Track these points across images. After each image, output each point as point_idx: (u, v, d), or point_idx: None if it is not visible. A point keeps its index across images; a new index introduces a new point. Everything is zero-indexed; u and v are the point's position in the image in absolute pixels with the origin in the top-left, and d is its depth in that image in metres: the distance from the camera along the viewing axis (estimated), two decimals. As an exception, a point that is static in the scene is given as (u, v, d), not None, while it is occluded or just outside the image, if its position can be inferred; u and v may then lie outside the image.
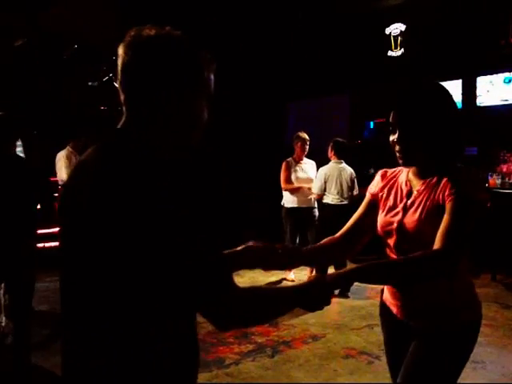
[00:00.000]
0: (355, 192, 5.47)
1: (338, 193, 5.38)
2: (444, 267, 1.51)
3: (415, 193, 1.69)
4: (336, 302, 5.08)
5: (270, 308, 1.23)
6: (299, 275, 5.77)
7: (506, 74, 7.07)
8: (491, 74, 7.18)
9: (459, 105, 7.34)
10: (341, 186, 5.39)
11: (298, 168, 5.76)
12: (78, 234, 1.09)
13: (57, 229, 3.37)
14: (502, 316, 4.74)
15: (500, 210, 6.03)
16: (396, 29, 8.02)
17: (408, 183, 1.74)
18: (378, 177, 1.87)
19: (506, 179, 6.80)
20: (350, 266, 1.40)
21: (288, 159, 5.83)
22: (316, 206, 5.75)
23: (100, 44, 7.80)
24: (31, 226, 3.26)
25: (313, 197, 5.66)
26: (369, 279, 1.56)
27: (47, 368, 3.40)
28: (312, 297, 1.30)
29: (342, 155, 5.53)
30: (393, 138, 1.66)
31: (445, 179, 1.59)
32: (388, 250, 1.76)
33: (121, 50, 1.12)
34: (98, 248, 1.04)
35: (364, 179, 5.60)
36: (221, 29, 7.71)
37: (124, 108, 1.15)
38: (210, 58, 1.17)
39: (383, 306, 1.90)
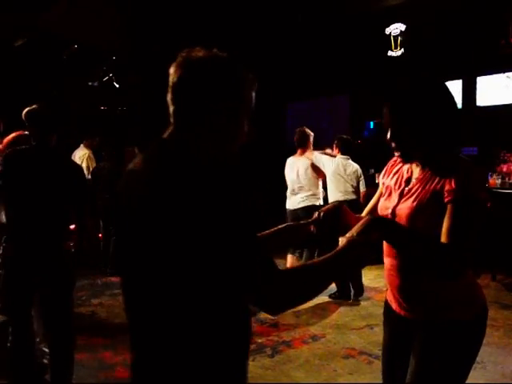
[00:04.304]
0: (362, 189, 5.40)
1: (342, 189, 5.31)
2: (450, 261, 1.51)
3: (414, 181, 1.70)
4: (336, 303, 5.08)
5: (317, 282, 1.27)
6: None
7: (506, 74, 7.07)
8: (491, 73, 7.17)
9: (459, 105, 7.34)
10: (345, 182, 5.33)
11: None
12: (137, 238, 1.19)
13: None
14: (502, 316, 4.74)
15: (500, 210, 6.03)
16: (396, 29, 8.02)
17: (409, 170, 1.75)
18: (388, 164, 1.89)
19: (506, 179, 6.80)
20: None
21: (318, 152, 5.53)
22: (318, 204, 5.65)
23: (100, 44, 7.81)
24: (67, 225, 3.05)
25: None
26: (391, 235, 1.55)
27: None
28: (348, 256, 1.33)
29: (347, 151, 5.47)
30: (387, 135, 1.66)
31: (446, 170, 1.59)
32: None
33: (172, 69, 1.25)
34: (161, 249, 1.13)
35: (364, 179, 5.60)
36: (220, 29, 7.71)
37: (172, 119, 1.27)
38: (252, 78, 1.30)
39: (386, 304, 1.91)
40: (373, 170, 7.99)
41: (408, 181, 1.73)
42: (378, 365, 3.61)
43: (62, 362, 2.93)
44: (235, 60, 1.28)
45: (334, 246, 1.35)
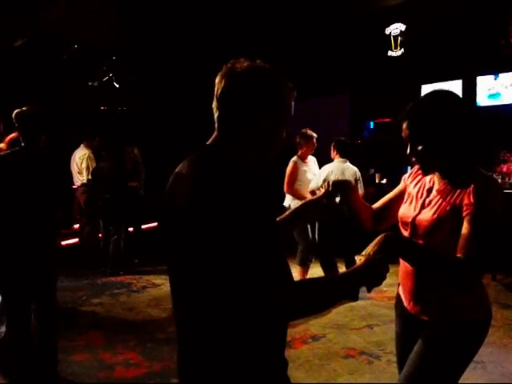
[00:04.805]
0: (361, 191, 5.32)
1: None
2: (466, 277, 1.53)
3: (434, 192, 1.74)
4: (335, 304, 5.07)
5: (328, 296, 1.30)
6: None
7: (506, 74, 7.07)
8: (491, 74, 7.17)
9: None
10: None
11: (306, 168, 5.47)
12: (179, 236, 1.25)
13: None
14: (502, 316, 4.74)
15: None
16: (396, 29, 8.02)
17: (432, 180, 1.79)
18: (415, 167, 1.91)
19: (506, 179, 6.80)
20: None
21: (295, 159, 5.45)
22: None
23: (100, 44, 7.81)
24: (56, 225, 3.21)
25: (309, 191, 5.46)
26: (407, 253, 1.56)
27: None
28: (366, 275, 1.36)
29: (345, 154, 5.43)
30: (408, 151, 1.69)
31: (466, 182, 1.61)
32: None
33: (218, 79, 1.31)
34: (199, 250, 1.19)
35: (364, 179, 5.59)
36: (220, 28, 7.71)
37: (216, 125, 1.33)
38: (292, 88, 1.36)
39: (398, 297, 1.95)
40: (373, 170, 7.99)
41: (429, 191, 1.77)
42: (377, 365, 3.62)
43: (47, 329, 3.12)
44: (277, 71, 1.33)
45: (342, 218, 1.40)
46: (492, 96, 7.22)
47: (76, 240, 7.08)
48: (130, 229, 7.00)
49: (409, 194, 1.87)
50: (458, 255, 1.53)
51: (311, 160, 5.63)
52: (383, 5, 7.85)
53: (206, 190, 1.19)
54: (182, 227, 1.23)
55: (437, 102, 1.65)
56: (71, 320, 4.54)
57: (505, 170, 6.95)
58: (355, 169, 5.38)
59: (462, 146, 1.65)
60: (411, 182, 1.89)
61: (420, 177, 1.86)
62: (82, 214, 6.88)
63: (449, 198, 1.66)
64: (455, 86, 7.33)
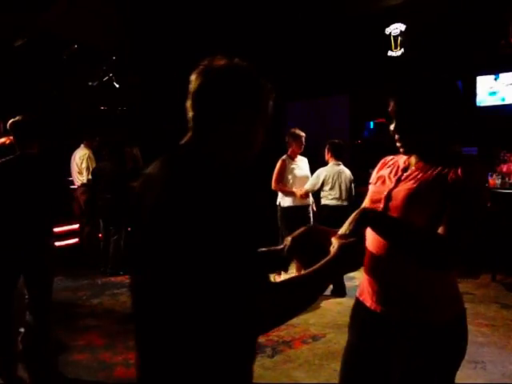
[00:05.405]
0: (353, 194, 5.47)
1: (336, 194, 5.36)
2: (449, 254, 1.48)
3: (412, 168, 1.68)
4: (336, 302, 5.08)
5: (311, 292, 1.26)
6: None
7: (506, 74, 7.07)
8: (491, 74, 7.17)
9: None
10: (339, 187, 5.36)
11: (294, 166, 5.58)
12: (147, 239, 1.20)
13: (68, 227, 3.73)
14: (502, 316, 4.74)
15: (500, 210, 6.03)
16: (396, 29, 8.02)
17: (407, 161, 1.74)
18: (378, 164, 1.88)
19: (506, 179, 6.80)
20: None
21: (284, 158, 5.59)
22: (310, 203, 5.69)
23: (100, 44, 7.81)
24: (49, 224, 3.32)
25: (300, 193, 5.46)
26: (384, 227, 1.51)
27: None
28: (341, 263, 1.31)
29: (339, 156, 5.49)
30: (392, 126, 1.66)
31: (448, 161, 1.57)
32: None
33: (193, 77, 1.27)
34: (167, 252, 1.13)
35: (364, 179, 5.59)
36: (220, 28, 7.71)
37: (191, 124, 1.29)
38: (270, 88, 1.32)
39: (357, 303, 1.85)
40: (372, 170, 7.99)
41: (406, 169, 1.71)
42: (377, 365, 3.62)
43: (42, 326, 3.17)
44: (255, 69, 1.30)
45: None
46: (492, 96, 7.21)
47: (76, 240, 7.08)
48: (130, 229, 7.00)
49: (379, 176, 1.78)
50: (441, 233, 1.47)
51: (302, 160, 5.72)
52: (383, 5, 7.86)
53: (177, 189, 1.14)
54: (151, 228, 1.18)
55: (428, 80, 1.65)
56: (71, 320, 4.55)
57: (505, 170, 6.95)
58: (349, 172, 5.49)
59: (447, 129, 1.61)
60: (378, 172, 1.82)
61: (392, 162, 1.80)
62: (82, 214, 6.88)
63: (429, 172, 1.59)
64: (455, 86, 7.33)
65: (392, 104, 1.66)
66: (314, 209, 5.73)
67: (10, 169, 3.14)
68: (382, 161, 1.88)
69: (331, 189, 5.37)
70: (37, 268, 3.15)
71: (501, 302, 5.16)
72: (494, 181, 6.76)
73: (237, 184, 1.17)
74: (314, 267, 1.26)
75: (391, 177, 1.72)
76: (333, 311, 4.83)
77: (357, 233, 1.41)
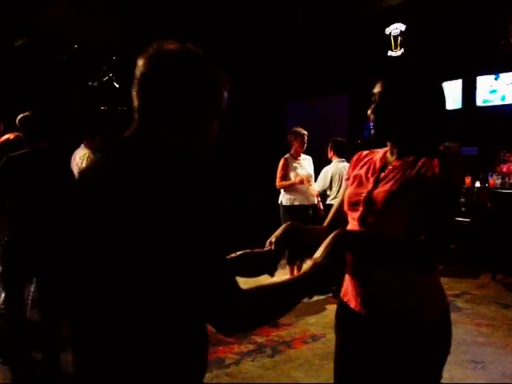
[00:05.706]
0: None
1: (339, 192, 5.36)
2: (431, 254, 1.49)
3: (390, 167, 1.65)
4: (336, 302, 5.07)
5: (276, 306, 1.20)
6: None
7: (507, 74, 7.06)
8: (491, 74, 7.17)
9: (459, 105, 7.34)
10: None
11: (296, 165, 5.60)
12: (92, 241, 1.10)
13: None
14: (502, 316, 4.74)
15: (500, 210, 6.03)
16: (396, 29, 8.01)
17: (383, 159, 1.70)
18: (352, 160, 1.84)
19: (506, 179, 6.80)
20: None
21: (286, 156, 5.61)
22: (316, 202, 5.69)
23: (100, 44, 7.81)
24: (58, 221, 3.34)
25: (314, 194, 5.60)
26: (355, 249, 1.51)
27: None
28: (319, 279, 1.29)
29: (342, 154, 5.51)
30: (370, 109, 1.65)
31: (426, 159, 1.54)
32: (351, 227, 1.69)
33: (141, 61, 1.18)
34: (112, 251, 1.06)
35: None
36: (220, 28, 7.71)
37: (136, 115, 1.18)
38: (225, 77, 1.23)
39: (341, 304, 1.83)
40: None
41: (383, 168, 1.67)
42: (377, 365, 3.62)
43: (51, 327, 3.22)
44: (209, 56, 1.21)
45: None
46: (492, 96, 7.21)
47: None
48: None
49: (355, 176, 1.74)
50: (422, 231, 1.47)
51: (305, 159, 5.72)
52: (383, 5, 7.85)
53: (128, 188, 1.05)
54: (98, 228, 1.08)
55: (418, 75, 1.66)
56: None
57: (505, 170, 6.95)
58: None
59: (426, 120, 1.60)
60: (353, 170, 1.78)
61: (367, 159, 1.77)
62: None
63: (408, 171, 1.57)
64: (455, 86, 7.33)
65: (379, 85, 1.66)
66: (321, 207, 5.72)
67: (26, 161, 3.14)
68: (356, 156, 1.83)
69: (335, 187, 5.39)
70: (47, 268, 3.13)
71: (501, 302, 5.17)
72: (494, 181, 6.77)
73: (189, 177, 1.07)
74: (283, 281, 1.22)
75: (369, 177, 1.69)
76: (333, 311, 4.82)
77: (332, 257, 1.38)
